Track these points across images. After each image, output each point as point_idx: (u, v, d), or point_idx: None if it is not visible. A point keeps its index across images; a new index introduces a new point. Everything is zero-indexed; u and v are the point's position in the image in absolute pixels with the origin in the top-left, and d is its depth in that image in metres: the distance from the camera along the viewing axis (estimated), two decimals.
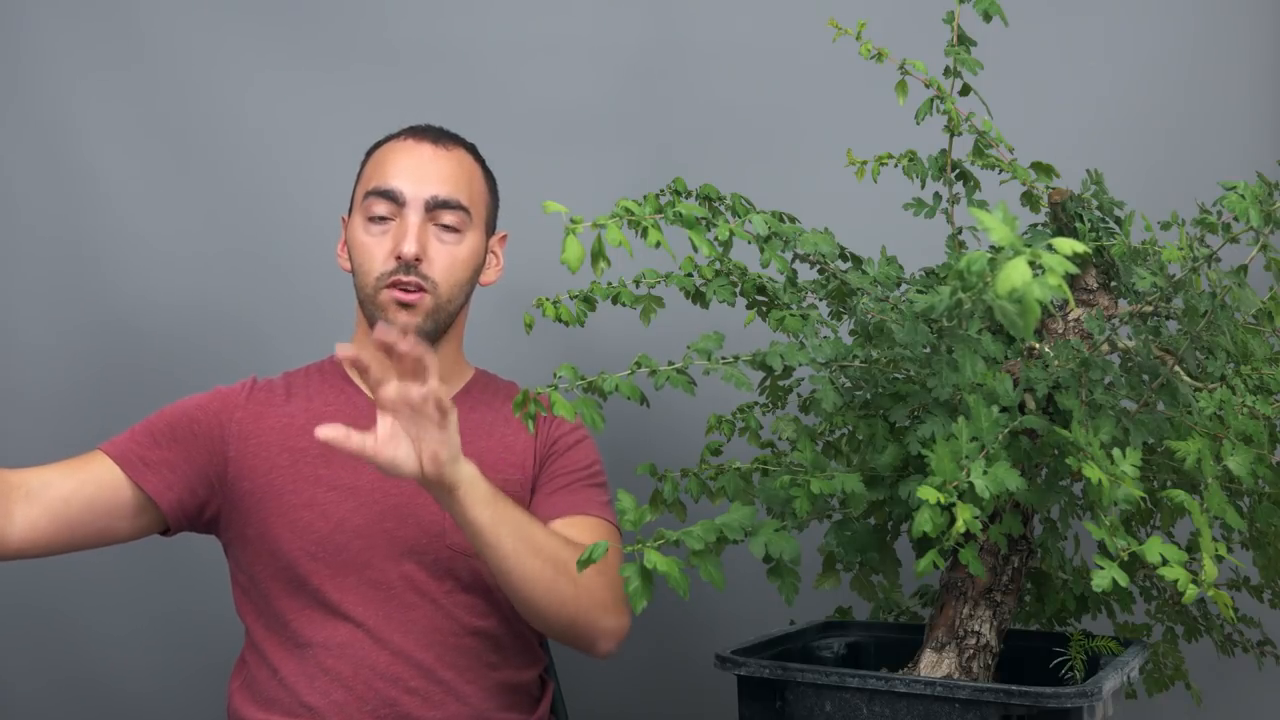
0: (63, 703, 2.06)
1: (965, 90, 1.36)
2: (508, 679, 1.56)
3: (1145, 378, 1.26)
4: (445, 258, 1.56)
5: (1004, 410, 1.16)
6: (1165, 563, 1.08)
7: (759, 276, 1.40)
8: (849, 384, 1.35)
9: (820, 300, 1.41)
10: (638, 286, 1.45)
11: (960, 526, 1.06)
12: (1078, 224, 1.32)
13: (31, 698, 2.06)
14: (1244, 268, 1.24)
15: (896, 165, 1.41)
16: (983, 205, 1.40)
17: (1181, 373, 1.27)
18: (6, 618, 2.06)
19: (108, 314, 2.09)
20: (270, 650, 1.52)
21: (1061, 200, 1.33)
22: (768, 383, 1.54)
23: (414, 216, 1.54)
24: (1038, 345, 1.28)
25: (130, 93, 2.10)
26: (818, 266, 1.39)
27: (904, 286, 1.37)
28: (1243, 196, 1.15)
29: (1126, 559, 1.10)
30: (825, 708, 1.22)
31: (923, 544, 1.24)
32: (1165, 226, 1.32)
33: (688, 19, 2.11)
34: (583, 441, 1.64)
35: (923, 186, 1.41)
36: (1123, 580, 1.07)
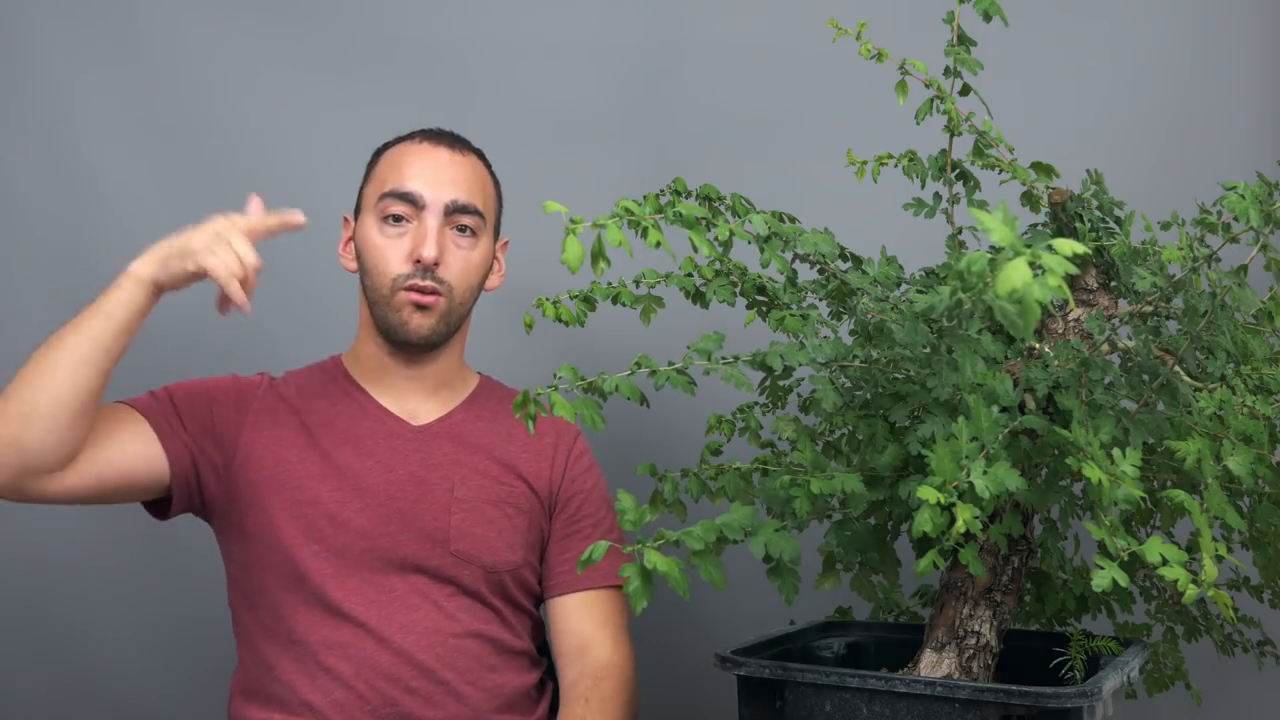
0: (62, 703, 2.06)
1: (965, 90, 1.36)
2: (508, 681, 1.56)
3: (1145, 378, 1.26)
4: (460, 262, 1.57)
5: (1004, 410, 1.16)
6: (1165, 563, 1.08)
7: (759, 276, 1.40)
8: (849, 384, 1.35)
9: (820, 300, 1.41)
10: (638, 286, 1.45)
11: (960, 526, 1.06)
12: (1078, 224, 1.32)
13: (31, 698, 2.05)
14: (1244, 268, 1.24)
15: (896, 165, 1.41)
16: (983, 205, 1.40)
17: (1181, 373, 1.27)
18: (6, 618, 2.06)
19: None
20: (264, 646, 1.52)
21: (1061, 200, 1.33)
22: (768, 383, 1.54)
23: (433, 220, 1.55)
24: (1038, 345, 1.28)
25: (130, 92, 2.10)
26: (818, 266, 1.39)
27: (904, 286, 1.37)
28: (1243, 196, 1.15)
29: (1126, 559, 1.10)
30: (825, 708, 1.22)
31: (923, 544, 1.24)
32: (1165, 226, 1.32)
33: (688, 19, 2.11)
34: (592, 469, 1.68)
35: (923, 186, 1.41)
36: (1123, 580, 1.07)
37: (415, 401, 1.61)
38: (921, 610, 1.62)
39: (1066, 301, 1.29)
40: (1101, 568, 1.08)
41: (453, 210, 1.56)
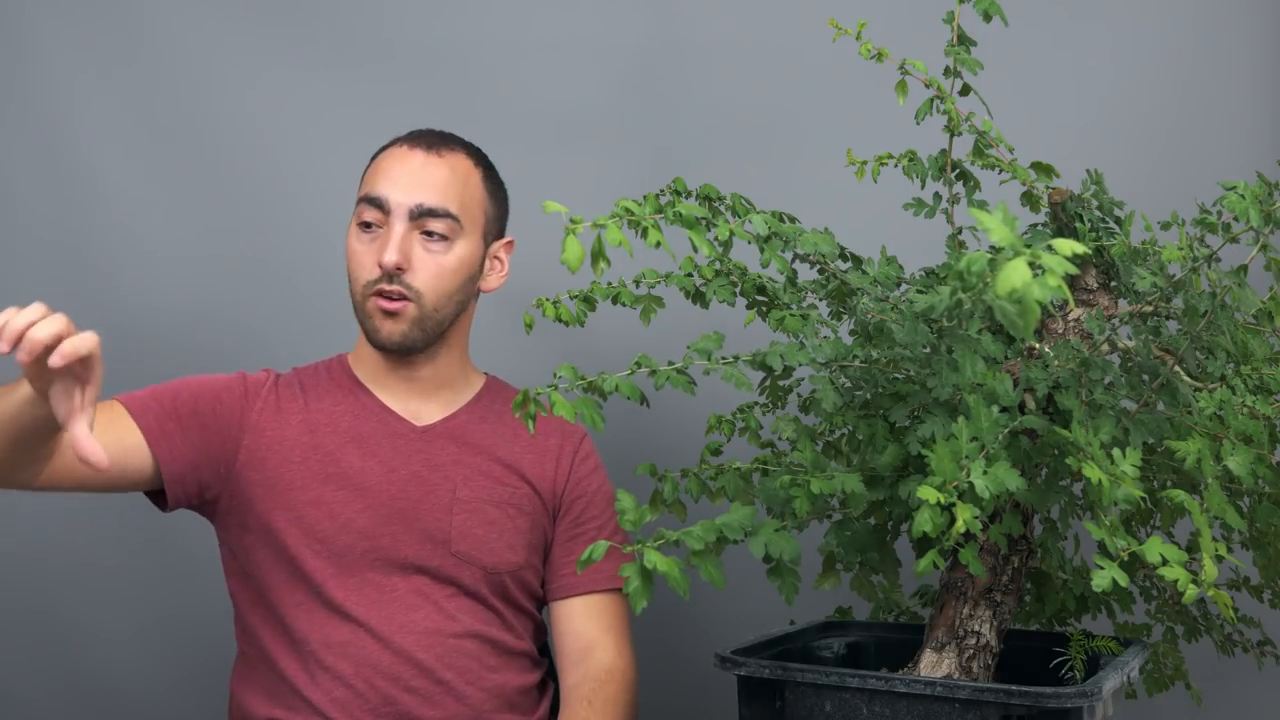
0: (62, 703, 2.06)
1: (965, 90, 1.36)
2: (508, 681, 1.56)
3: (1145, 378, 1.26)
4: (431, 267, 1.54)
5: (1004, 410, 1.16)
6: (1165, 563, 1.08)
7: (759, 276, 1.40)
8: (849, 384, 1.35)
9: (820, 300, 1.41)
10: (638, 286, 1.45)
11: (960, 526, 1.06)
12: (1078, 224, 1.32)
13: (31, 698, 2.05)
14: (1244, 268, 1.24)
15: (896, 165, 1.41)
16: (983, 205, 1.40)
17: (1181, 373, 1.27)
18: (6, 618, 2.06)
19: (107, 315, 2.08)
20: (265, 642, 1.52)
21: (1061, 200, 1.33)
22: (768, 383, 1.54)
23: (398, 225, 1.53)
24: (1038, 345, 1.28)
25: (130, 93, 2.10)
26: (818, 266, 1.39)
27: (904, 286, 1.37)
28: (1243, 196, 1.15)
29: (1126, 559, 1.10)
30: (825, 708, 1.22)
31: (923, 544, 1.24)
32: (1165, 226, 1.32)
33: (688, 19, 2.11)
34: (598, 471, 1.67)
35: (923, 186, 1.41)
36: (1123, 580, 1.07)
37: (415, 403, 1.61)
38: (921, 610, 1.61)
39: (1066, 301, 1.29)
40: (1101, 568, 1.08)
41: (419, 214, 1.54)
